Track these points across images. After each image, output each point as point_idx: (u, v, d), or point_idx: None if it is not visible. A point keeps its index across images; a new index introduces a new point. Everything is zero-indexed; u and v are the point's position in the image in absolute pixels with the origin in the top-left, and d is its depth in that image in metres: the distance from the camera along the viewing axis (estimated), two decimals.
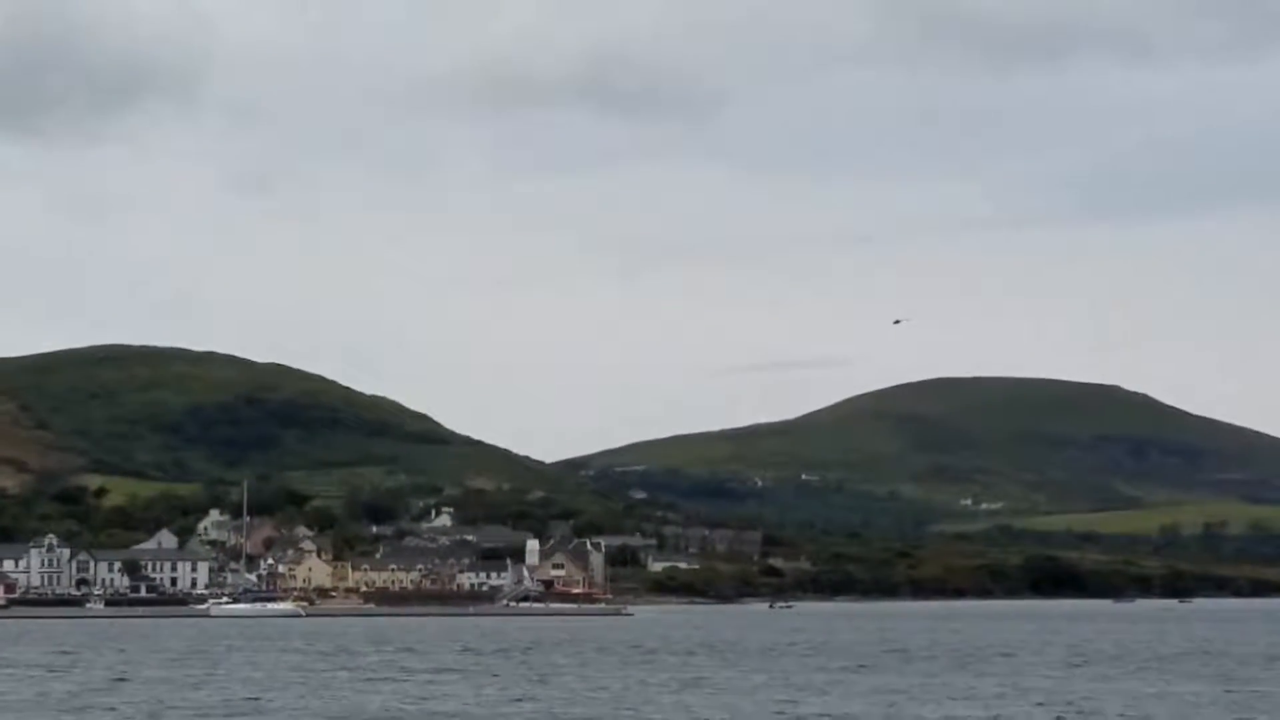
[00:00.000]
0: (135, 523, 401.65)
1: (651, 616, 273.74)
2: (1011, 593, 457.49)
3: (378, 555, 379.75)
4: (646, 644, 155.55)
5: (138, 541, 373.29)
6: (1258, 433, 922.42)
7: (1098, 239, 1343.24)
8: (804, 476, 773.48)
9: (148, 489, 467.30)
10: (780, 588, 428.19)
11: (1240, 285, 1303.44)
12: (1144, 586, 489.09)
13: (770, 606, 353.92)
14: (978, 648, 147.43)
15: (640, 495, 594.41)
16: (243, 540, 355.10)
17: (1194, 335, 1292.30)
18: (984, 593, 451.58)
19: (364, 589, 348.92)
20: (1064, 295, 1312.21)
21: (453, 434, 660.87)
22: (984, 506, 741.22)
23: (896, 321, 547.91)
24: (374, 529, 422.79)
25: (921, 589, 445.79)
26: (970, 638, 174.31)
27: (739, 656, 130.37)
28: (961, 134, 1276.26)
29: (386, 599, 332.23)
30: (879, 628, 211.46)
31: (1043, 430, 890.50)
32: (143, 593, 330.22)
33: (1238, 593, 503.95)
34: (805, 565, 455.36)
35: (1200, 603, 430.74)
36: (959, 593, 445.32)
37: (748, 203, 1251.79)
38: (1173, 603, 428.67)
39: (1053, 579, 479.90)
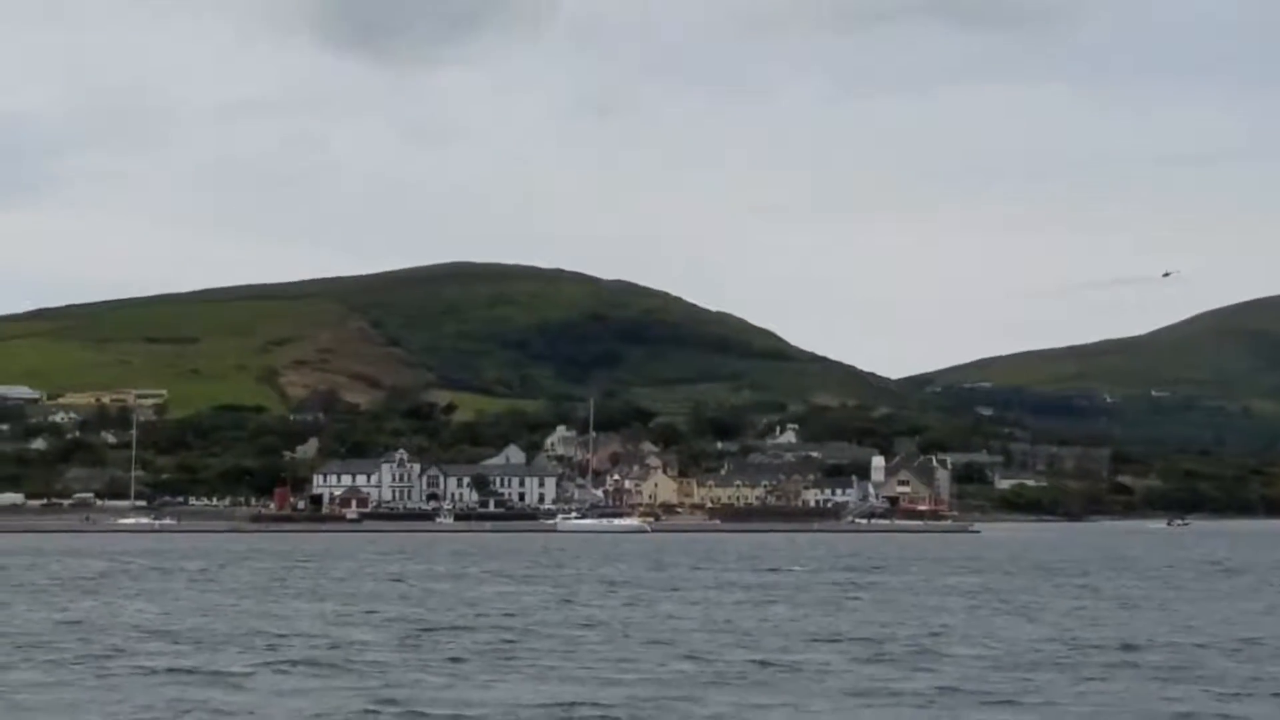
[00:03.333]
0: (483, 439, 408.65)
1: (1001, 535, 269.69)
2: None
3: (723, 472, 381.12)
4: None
5: (485, 457, 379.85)
6: None
7: None
8: (1154, 393, 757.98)
9: (495, 405, 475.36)
10: (1130, 505, 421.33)
11: None
12: None
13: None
14: None
15: (986, 412, 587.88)
16: (589, 456, 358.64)
17: None
18: None
19: (709, 505, 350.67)
20: None
21: (797, 350, 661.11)
22: None
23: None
24: (719, 445, 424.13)
25: (1275, 507, 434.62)
26: None
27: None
28: None
29: (732, 515, 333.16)
30: None
31: None
32: (491, 507, 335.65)
33: None
34: (1155, 483, 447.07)
35: None
36: None
37: (1089, 120, 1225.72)
38: None
39: None
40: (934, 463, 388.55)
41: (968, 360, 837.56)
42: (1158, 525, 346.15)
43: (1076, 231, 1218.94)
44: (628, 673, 49.72)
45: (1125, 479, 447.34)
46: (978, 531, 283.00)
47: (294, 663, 52.37)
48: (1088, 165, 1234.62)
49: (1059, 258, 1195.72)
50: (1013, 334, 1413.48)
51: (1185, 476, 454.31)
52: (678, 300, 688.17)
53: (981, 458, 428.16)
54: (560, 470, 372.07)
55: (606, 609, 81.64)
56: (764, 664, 52.32)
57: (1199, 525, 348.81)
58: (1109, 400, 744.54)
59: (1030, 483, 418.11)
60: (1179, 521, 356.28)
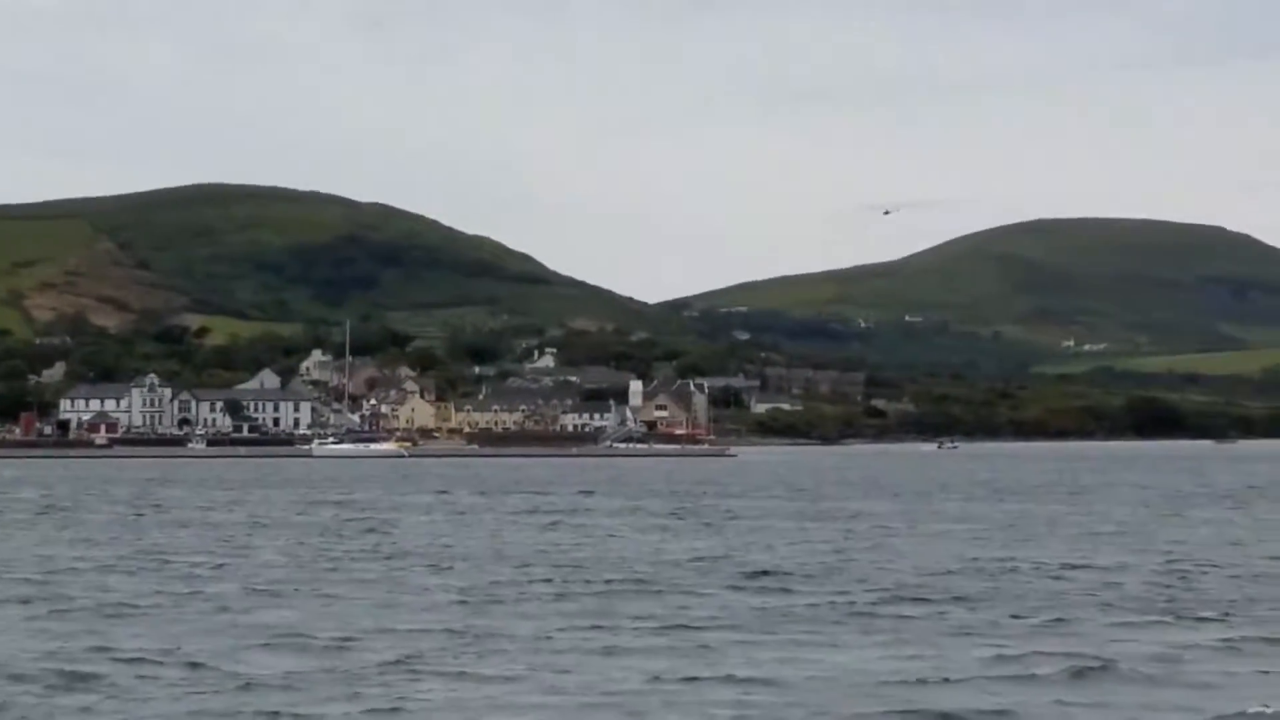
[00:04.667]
0: (237, 363, 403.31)
1: (757, 458, 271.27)
2: (1113, 433, 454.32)
3: (480, 396, 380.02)
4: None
5: (239, 382, 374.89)
6: None
7: (1197, 82, 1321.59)
8: (907, 318, 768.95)
9: (249, 329, 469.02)
10: (883, 428, 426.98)
11: None
12: (1245, 427, 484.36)
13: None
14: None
15: (743, 336, 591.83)
16: (344, 381, 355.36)
17: None
18: (1086, 434, 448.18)
19: (467, 430, 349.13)
20: (1165, 138, 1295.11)
21: (555, 274, 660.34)
22: (1086, 348, 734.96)
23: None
24: (476, 370, 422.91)
25: (1024, 430, 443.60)
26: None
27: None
28: None
29: (489, 440, 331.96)
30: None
31: (1145, 272, 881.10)
32: (245, 433, 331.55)
33: None
34: (908, 407, 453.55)
35: None
36: (1061, 434, 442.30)
37: (865, 45, 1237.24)
38: (1276, 443, 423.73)
39: (1154, 420, 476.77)
40: (691, 387, 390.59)
41: (725, 285, 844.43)
42: (929, 448, 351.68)
43: (835, 158, 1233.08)
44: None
45: (879, 403, 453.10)
46: (734, 455, 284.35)
47: None
48: (849, 92, 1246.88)
49: (818, 184, 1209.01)
50: (771, 259, 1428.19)
51: (937, 400, 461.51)
52: (435, 224, 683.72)
53: (738, 382, 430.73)
54: (316, 395, 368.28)
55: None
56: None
57: (965, 448, 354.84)
58: (864, 325, 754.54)
59: (786, 406, 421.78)
60: (949, 444, 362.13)
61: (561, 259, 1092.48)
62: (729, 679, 33.04)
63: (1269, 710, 29.98)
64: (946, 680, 33.11)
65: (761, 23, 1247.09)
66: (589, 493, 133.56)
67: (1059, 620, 42.95)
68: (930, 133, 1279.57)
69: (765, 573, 56.10)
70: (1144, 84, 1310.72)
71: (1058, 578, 55.10)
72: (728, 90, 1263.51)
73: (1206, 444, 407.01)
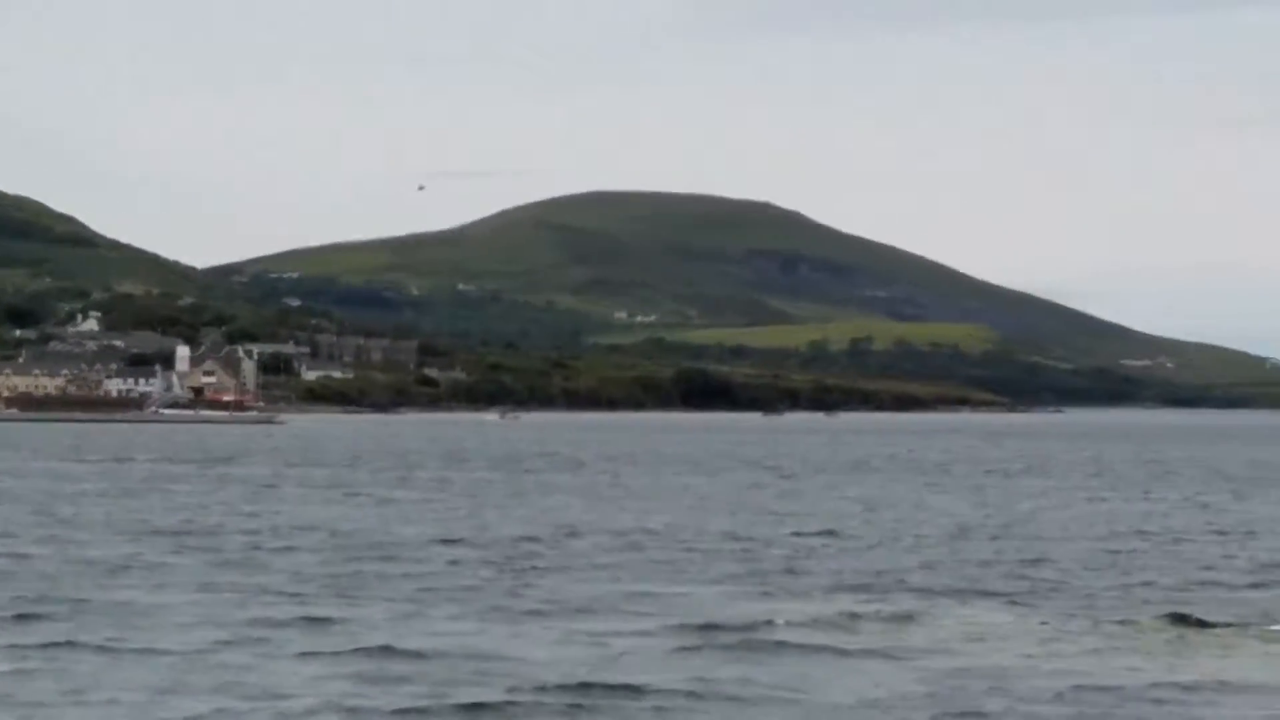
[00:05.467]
0: None
1: (307, 425, 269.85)
2: (663, 404, 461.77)
3: (20, 360, 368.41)
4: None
5: None
6: (904, 251, 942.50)
7: (737, 58, 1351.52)
8: (460, 287, 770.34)
9: None
10: (435, 397, 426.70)
11: (882, 103, 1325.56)
12: (792, 400, 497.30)
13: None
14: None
15: (295, 303, 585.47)
16: None
17: (846, 154, 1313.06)
18: (637, 404, 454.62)
19: (5, 394, 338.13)
20: (719, 112, 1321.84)
21: (100, 237, 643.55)
22: (638, 319, 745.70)
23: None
24: (17, 333, 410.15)
25: (576, 400, 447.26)
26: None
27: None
28: None
29: (30, 404, 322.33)
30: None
31: (696, 245, 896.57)
32: None
33: (880, 407, 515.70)
34: (461, 375, 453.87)
35: (846, 416, 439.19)
36: (612, 404, 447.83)
37: (429, 11, 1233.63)
38: (819, 415, 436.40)
39: (703, 391, 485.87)
40: (240, 353, 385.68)
41: (277, 251, 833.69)
42: (491, 417, 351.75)
43: (392, 124, 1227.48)
44: None
45: (431, 371, 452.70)
46: (284, 423, 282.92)
47: None
48: (410, 58, 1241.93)
49: (375, 150, 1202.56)
50: (325, 225, 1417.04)
51: (490, 369, 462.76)
52: None
53: (288, 349, 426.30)
54: None
55: None
56: None
57: (530, 417, 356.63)
58: (416, 293, 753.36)
59: (337, 374, 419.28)
60: (511, 414, 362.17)
61: (109, 222, 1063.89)
62: None
63: None
64: None
65: None
66: None
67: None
68: (490, 102, 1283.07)
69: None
70: (702, 58, 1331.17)
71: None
72: (283, 51, 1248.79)
73: (754, 416, 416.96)
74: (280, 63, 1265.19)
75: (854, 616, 42.37)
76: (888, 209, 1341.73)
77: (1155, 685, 34.05)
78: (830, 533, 69.07)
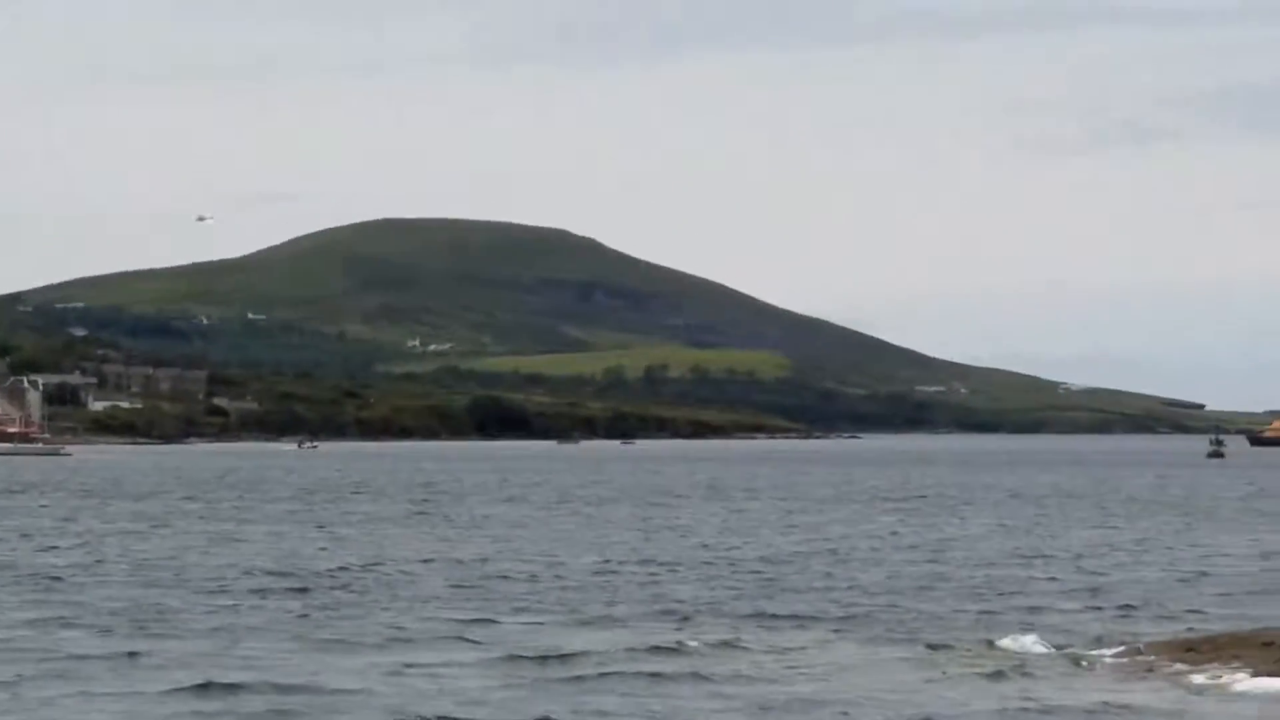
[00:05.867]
0: None
1: (93, 457, 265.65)
2: (458, 433, 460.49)
3: None
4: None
5: None
6: (700, 278, 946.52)
7: (534, 80, 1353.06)
8: (251, 315, 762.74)
9: None
10: (225, 427, 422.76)
11: (689, 134, 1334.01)
12: (588, 428, 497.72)
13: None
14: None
15: (81, 332, 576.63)
16: None
17: (642, 181, 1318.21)
18: (431, 433, 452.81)
19: None
20: (512, 138, 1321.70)
21: None
22: (432, 348, 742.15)
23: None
24: None
25: (370, 429, 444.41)
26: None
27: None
28: None
29: None
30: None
31: (491, 272, 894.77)
32: None
33: (677, 433, 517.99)
34: (252, 405, 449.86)
35: (643, 444, 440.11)
36: (406, 433, 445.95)
37: (210, 30, 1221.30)
38: (616, 443, 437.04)
39: (498, 420, 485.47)
40: (25, 384, 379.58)
41: (63, 279, 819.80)
42: (289, 447, 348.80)
43: (182, 150, 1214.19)
44: None
45: (221, 401, 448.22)
46: (69, 454, 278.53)
47: None
48: (198, 81, 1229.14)
49: (164, 176, 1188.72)
50: (113, 253, 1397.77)
51: (282, 398, 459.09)
52: None
53: (75, 379, 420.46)
54: None
55: None
56: None
57: (326, 446, 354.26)
58: (206, 322, 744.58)
59: (125, 404, 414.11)
60: (309, 444, 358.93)
61: None
62: None
63: None
64: None
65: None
66: None
67: None
68: (279, 128, 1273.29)
69: None
70: (493, 82, 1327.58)
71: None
72: (67, 75, 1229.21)
73: (550, 444, 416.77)
74: (63, 87, 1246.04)
75: (675, 646, 41.98)
76: (684, 236, 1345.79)
77: (971, 713, 34.06)
78: (648, 560, 68.79)
